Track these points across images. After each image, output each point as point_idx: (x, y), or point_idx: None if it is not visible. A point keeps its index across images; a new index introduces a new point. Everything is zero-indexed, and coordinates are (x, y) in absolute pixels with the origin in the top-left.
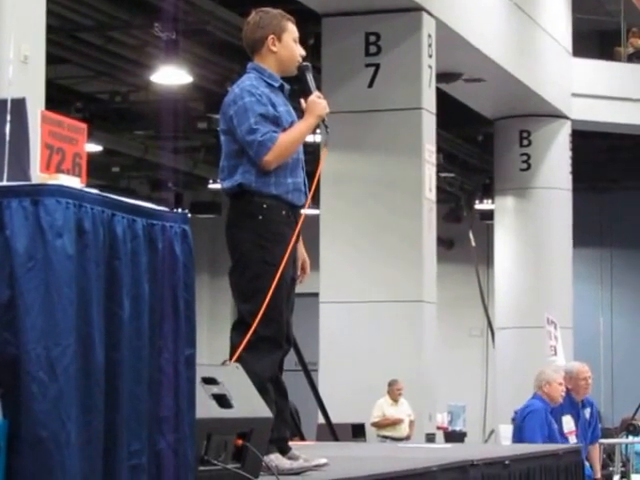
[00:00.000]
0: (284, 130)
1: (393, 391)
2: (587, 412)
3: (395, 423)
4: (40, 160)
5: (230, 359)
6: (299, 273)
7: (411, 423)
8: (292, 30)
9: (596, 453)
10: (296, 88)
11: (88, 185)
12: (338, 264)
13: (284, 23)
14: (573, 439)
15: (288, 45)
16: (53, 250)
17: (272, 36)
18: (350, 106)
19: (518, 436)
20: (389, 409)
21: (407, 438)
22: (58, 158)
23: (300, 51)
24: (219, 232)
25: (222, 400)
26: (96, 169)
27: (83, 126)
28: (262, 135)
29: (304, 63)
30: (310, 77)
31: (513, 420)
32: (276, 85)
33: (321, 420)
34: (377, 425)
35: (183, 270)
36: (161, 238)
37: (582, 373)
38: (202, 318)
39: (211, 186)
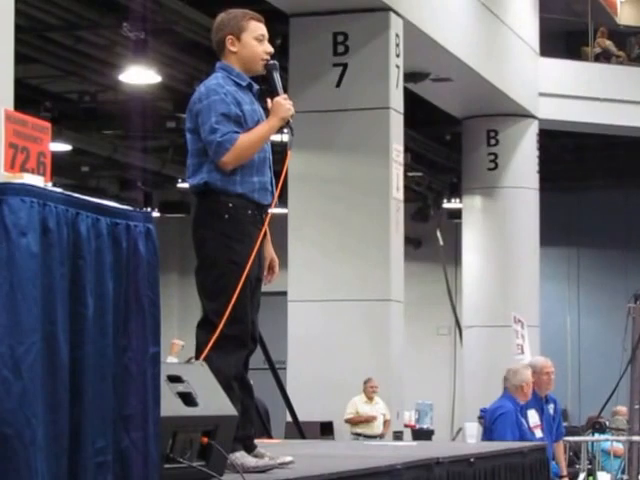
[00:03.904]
0: (249, 129)
1: (367, 389)
2: (551, 408)
3: (368, 420)
4: (4, 159)
5: (196, 357)
6: (267, 273)
7: (386, 422)
8: (254, 29)
9: (561, 450)
10: (264, 88)
11: (57, 184)
12: (306, 263)
13: (243, 23)
14: (539, 433)
15: (248, 44)
16: (17, 249)
17: (230, 37)
18: (318, 106)
19: (488, 437)
20: (363, 407)
21: (381, 436)
22: (22, 157)
23: (266, 48)
24: (188, 231)
25: (187, 398)
26: (65, 168)
27: (47, 125)
28: (222, 135)
29: (271, 61)
30: (277, 76)
31: (479, 419)
32: (244, 84)
33: (289, 418)
34: (350, 422)
35: (147, 269)
36: (125, 237)
37: (545, 368)
38: (172, 317)
39: (180, 185)
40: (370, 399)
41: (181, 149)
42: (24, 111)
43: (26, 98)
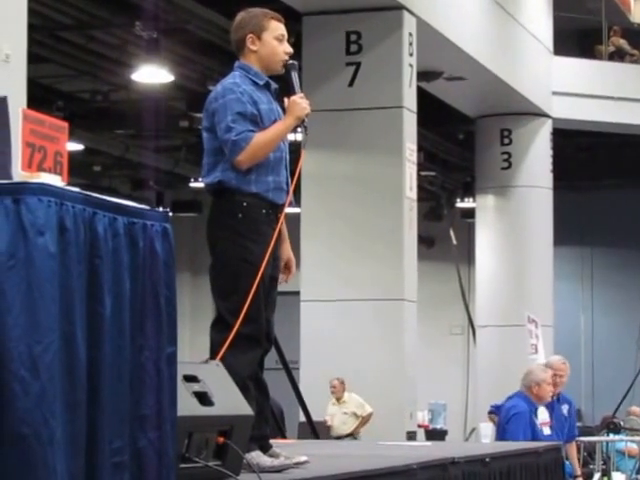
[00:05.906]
0: (265, 128)
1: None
2: (564, 409)
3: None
4: (22, 158)
5: (210, 357)
6: (284, 272)
7: (362, 419)
8: (274, 28)
9: (574, 451)
10: (281, 87)
11: (69, 184)
12: (319, 263)
13: (264, 22)
14: (547, 430)
15: (268, 43)
16: (35, 248)
17: (251, 35)
18: (331, 105)
19: (501, 435)
20: (331, 408)
21: (351, 435)
22: (40, 156)
23: (285, 48)
24: (200, 231)
25: (203, 398)
26: (77, 168)
27: (64, 125)
28: (237, 134)
29: (290, 61)
30: (295, 76)
31: (489, 414)
32: (261, 83)
33: (302, 418)
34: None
35: (164, 268)
36: (142, 236)
37: (555, 370)
38: (184, 316)
39: (192, 185)
40: (338, 399)
41: (194, 148)
42: (37, 110)
43: (38, 98)
